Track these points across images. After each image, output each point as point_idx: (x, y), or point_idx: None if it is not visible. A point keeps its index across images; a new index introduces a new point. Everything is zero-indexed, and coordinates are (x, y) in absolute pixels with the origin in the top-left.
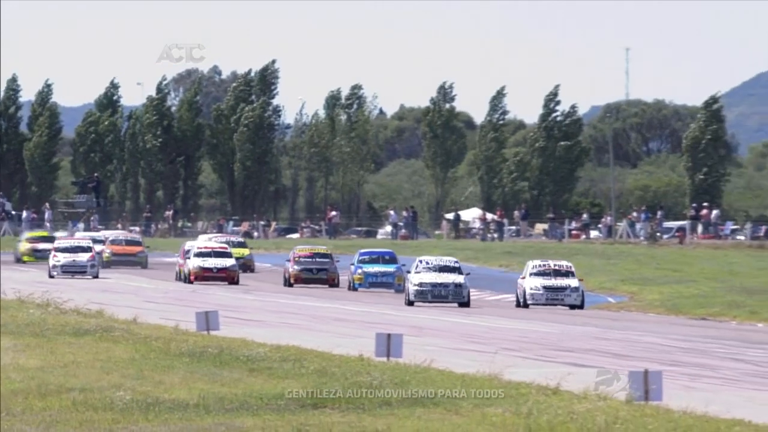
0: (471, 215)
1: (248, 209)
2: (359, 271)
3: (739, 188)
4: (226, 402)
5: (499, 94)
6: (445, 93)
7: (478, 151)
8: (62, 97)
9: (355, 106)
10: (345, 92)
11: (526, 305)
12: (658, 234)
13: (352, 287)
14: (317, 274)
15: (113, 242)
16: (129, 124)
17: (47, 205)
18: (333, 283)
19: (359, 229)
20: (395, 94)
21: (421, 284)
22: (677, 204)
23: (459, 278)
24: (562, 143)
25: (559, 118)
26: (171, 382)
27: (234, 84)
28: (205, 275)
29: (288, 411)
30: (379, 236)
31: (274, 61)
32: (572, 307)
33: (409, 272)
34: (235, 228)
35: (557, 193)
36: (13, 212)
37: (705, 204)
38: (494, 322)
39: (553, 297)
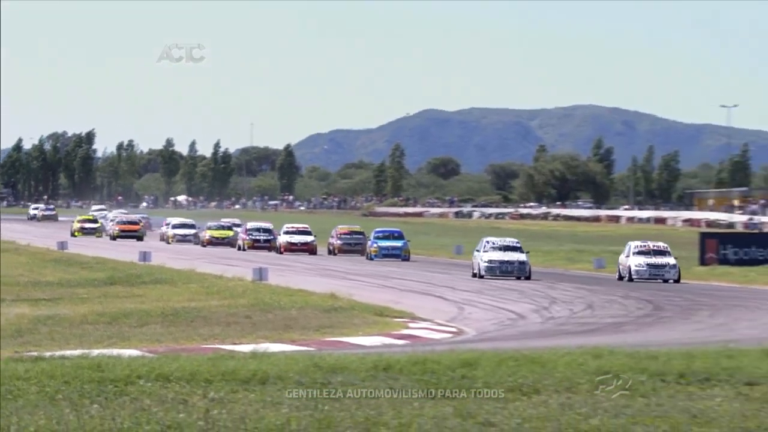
0: (181, 197)
1: (81, 196)
2: (375, 245)
3: (301, 186)
4: (73, 282)
5: (193, 144)
6: (168, 142)
7: (184, 170)
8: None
9: (129, 149)
10: (125, 143)
11: (631, 279)
12: (274, 205)
13: (370, 258)
14: (354, 247)
15: (119, 222)
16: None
17: None
18: (364, 253)
19: (132, 205)
20: (149, 143)
21: (491, 261)
22: (275, 194)
23: (522, 256)
24: (213, 167)
25: (221, 156)
26: (46, 273)
27: (74, 140)
28: (292, 248)
29: (99, 286)
30: (140, 207)
31: (93, 129)
32: (665, 280)
33: (478, 251)
34: (74, 204)
35: (221, 189)
36: None
37: (287, 194)
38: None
39: (655, 273)
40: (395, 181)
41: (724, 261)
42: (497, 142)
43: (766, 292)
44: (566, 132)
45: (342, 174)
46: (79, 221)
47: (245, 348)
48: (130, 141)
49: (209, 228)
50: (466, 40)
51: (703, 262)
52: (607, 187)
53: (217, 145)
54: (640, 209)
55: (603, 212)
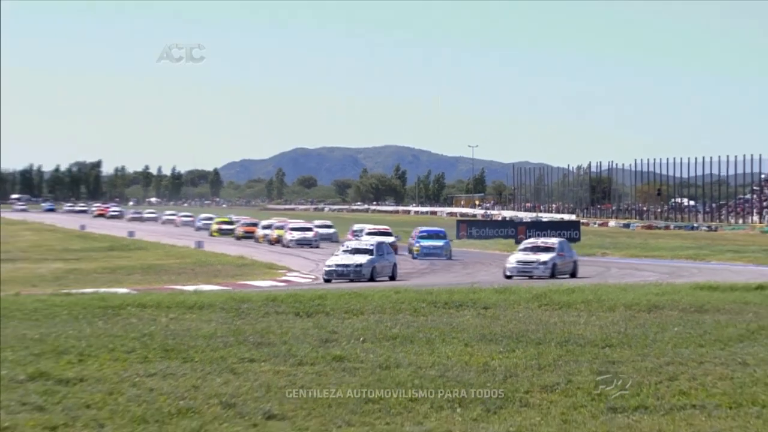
0: (153, 199)
1: (94, 199)
2: (417, 244)
3: (224, 192)
4: (88, 249)
5: (166, 167)
6: (146, 167)
7: (154, 182)
8: None
9: (122, 170)
10: (119, 166)
11: (508, 277)
12: (208, 203)
13: (413, 257)
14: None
15: (243, 224)
16: None
17: None
18: (396, 251)
19: (123, 203)
20: (131, 165)
21: (328, 266)
22: (208, 197)
23: (362, 259)
24: (172, 181)
25: (177, 174)
26: (74, 244)
27: (89, 165)
28: None
29: (103, 251)
30: (129, 205)
31: (100, 159)
32: (540, 277)
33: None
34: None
35: (176, 194)
36: None
37: (215, 197)
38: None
39: (523, 269)
40: (278, 190)
41: (470, 236)
42: (339, 167)
43: (494, 255)
44: (379, 161)
45: (248, 185)
46: (217, 223)
47: (190, 288)
48: (123, 166)
49: (293, 229)
50: (325, 97)
51: (458, 237)
52: (403, 194)
53: (174, 168)
54: (421, 206)
55: (400, 208)
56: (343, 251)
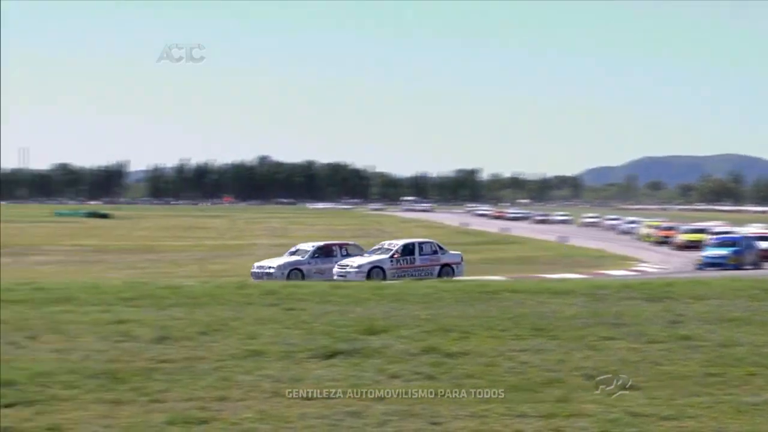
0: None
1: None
2: (701, 254)
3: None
4: (468, 242)
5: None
6: (417, 173)
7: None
8: None
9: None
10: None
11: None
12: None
13: (697, 267)
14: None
15: (661, 229)
16: None
17: None
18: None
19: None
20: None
21: (252, 267)
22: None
23: (280, 262)
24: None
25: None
26: (458, 238)
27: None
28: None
29: (481, 245)
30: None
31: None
32: (354, 279)
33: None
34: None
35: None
36: None
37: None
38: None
39: (340, 272)
40: (632, 192)
41: None
42: (682, 172)
43: None
44: (719, 167)
45: (603, 189)
46: (648, 227)
47: (555, 276)
48: (499, 173)
49: (683, 232)
50: (670, 108)
51: None
52: (740, 196)
53: (543, 174)
54: (757, 206)
55: (735, 208)
56: (288, 252)
